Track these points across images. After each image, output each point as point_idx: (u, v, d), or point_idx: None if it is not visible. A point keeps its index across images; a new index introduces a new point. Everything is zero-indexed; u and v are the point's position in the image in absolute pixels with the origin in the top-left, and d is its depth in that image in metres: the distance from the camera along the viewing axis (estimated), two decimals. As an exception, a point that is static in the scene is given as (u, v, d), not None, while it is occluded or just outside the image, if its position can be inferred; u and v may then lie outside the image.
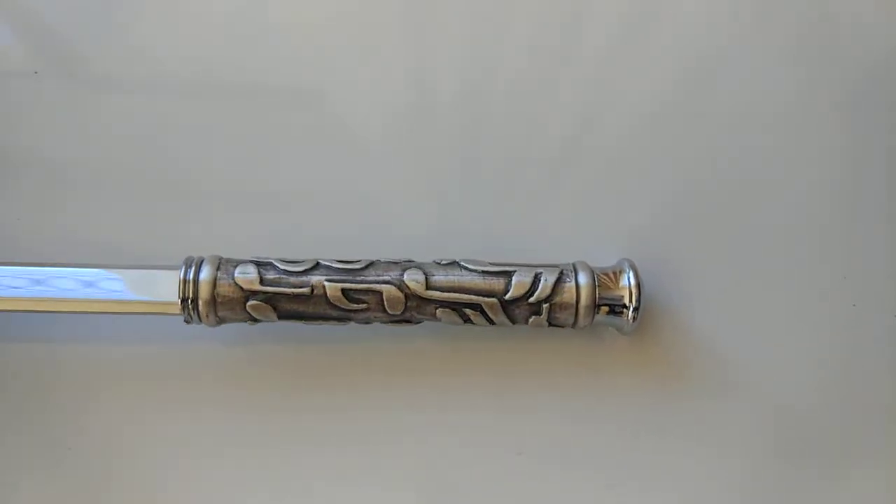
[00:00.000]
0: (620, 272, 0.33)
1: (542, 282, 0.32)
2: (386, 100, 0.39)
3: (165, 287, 0.32)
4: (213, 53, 0.40)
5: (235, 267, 0.32)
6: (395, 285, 0.32)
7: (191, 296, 0.32)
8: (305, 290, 0.32)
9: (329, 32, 0.40)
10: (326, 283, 0.32)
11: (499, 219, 0.37)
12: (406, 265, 0.33)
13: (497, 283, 0.32)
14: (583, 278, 0.33)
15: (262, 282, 0.32)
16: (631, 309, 0.33)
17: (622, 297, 0.33)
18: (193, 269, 0.32)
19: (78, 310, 0.32)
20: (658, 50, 0.40)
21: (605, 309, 0.33)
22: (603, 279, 0.33)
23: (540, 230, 0.37)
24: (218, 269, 0.32)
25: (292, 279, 0.32)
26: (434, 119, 0.39)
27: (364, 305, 0.32)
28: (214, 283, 0.32)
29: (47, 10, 0.40)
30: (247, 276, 0.32)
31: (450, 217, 0.37)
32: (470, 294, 0.32)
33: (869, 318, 0.36)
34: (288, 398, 0.35)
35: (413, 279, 0.32)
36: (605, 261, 0.35)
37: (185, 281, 0.32)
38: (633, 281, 0.33)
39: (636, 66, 0.39)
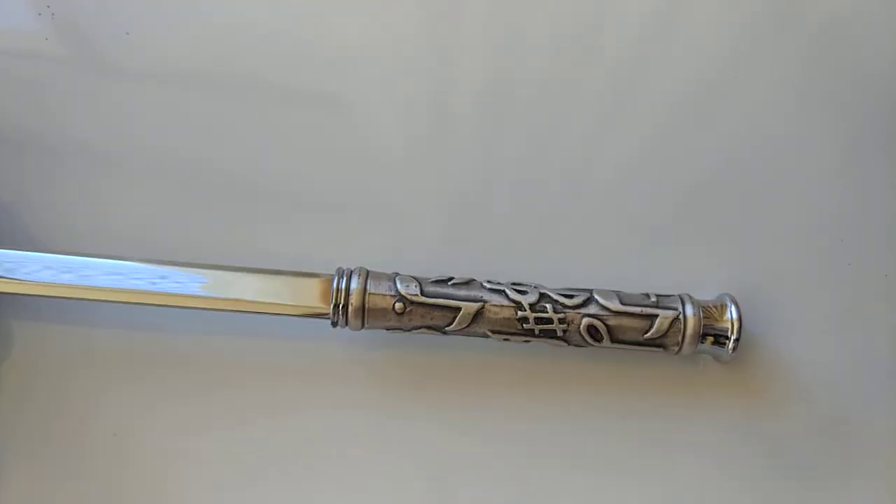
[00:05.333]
0: (724, 306, 0.37)
1: (656, 323, 0.36)
2: (409, 109, 0.42)
3: (314, 292, 0.36)
4: (237, 56, 0.42)
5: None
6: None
7: (342, 302, 0.36)
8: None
9: (355, 42, 0.43)
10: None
11: (518, 230, 0.41)
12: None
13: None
14: (689, 310, 0.37)
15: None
16: (732, 339, 0.37)
17: (726, 328, 0.37)
18: (345, 279, 0.36)
19: (242, 309, 0.36)
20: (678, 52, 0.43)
21: (711, 339, 0.37)
22: (708, 311, 0.37)
23: (558, 247, 0.41)
24: (367, 280, 0.36)
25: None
26: (456, 129, 0.42)
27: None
28: (365, 293, 0.36)
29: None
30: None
31: (469, 229, 0.41)
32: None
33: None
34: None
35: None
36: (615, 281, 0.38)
37: (337, 290, 0.36)
38: (735, 314, 0.37)
39: (658, 76, 0.42)
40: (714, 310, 0.37)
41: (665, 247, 0.41)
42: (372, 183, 0.41)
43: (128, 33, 0.42)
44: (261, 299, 0.36)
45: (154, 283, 0.36)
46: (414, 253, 0.40)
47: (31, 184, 0.40)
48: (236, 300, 0.36)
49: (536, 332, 0.36)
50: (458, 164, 0.42)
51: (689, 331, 0.36)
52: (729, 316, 0.37)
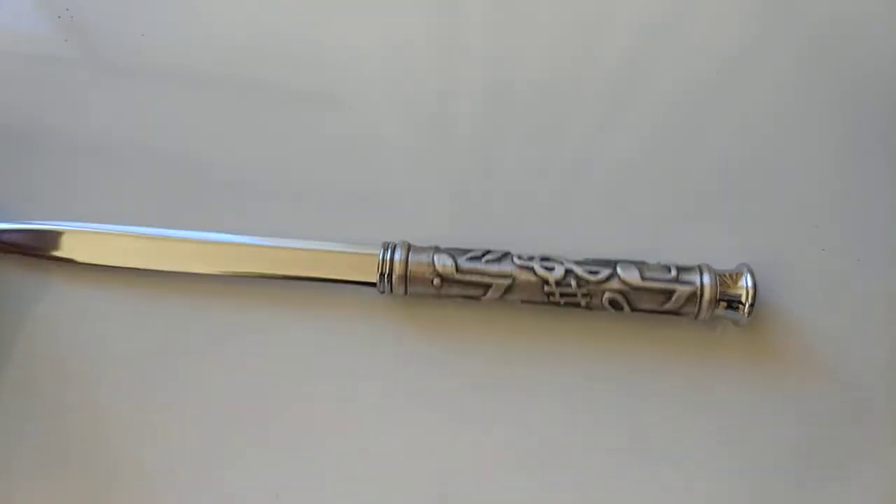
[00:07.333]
0: (739, 274, 0.40)
1: (674, 296, 0.39)
2: (411, 105, 0.44)
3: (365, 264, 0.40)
4: (248, 57, 0.45)
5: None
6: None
7: (387, 272, 0.40)
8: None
9: (362, 44, 0.46)
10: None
11: (520, 221, 0.43)
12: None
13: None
14: (707, 279, 0.39)
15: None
16: (747, 305, 0.39)
17: (740, 294, 0.39)
18: (389, 251, 0.40)
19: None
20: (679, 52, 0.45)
21: (724, 304, 0.40)
22: (724, 279, 0.40)
23: (560, 235, 0.43)
24: (408, 252, 0.40)
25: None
26: (458, 124, 0.44)
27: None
28: (407, 263, 0.40)
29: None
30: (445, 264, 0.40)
31: (470, 219, 0.43)
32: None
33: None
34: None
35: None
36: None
37: (383, 260, 0.40)
38: (750, 282, 0.40)
39: (658, 71, 0.45)
40: (729, 278, 0.40)
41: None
42: (377, 173, 0.44)
43: (143, 35, 0.46)
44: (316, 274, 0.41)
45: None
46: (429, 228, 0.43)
47: (48, 180, 0.43)
48: (293, 273, 0.41)
49: (562, 303, 0.40)
50: (464, 146, 0.44)
51: (706, 299, 0.39)
52: (744, 283, 0.40)
